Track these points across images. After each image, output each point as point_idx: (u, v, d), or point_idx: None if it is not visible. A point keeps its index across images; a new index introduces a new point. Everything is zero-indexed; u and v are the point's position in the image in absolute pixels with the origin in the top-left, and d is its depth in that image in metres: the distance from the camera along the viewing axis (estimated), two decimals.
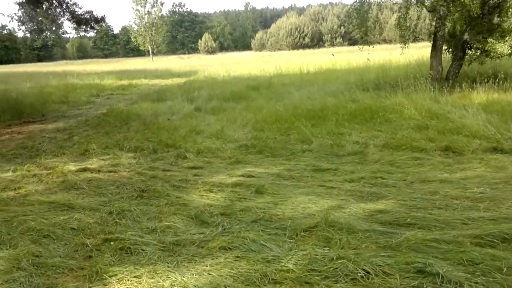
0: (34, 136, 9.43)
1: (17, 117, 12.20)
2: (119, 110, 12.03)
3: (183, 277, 3.10)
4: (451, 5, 10.55)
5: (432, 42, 11.62)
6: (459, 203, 4.19)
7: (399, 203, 4.27)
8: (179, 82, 21.22)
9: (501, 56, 10.58)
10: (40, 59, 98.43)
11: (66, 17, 14.42)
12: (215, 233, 3.81)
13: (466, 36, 10.73)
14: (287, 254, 3.35)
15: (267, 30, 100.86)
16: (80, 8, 15.20)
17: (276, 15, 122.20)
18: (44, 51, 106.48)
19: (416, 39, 13.28)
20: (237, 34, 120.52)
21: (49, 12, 14.85)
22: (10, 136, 9.62)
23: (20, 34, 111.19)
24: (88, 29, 15.11)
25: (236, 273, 3.14)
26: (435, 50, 11.37)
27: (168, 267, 3.26)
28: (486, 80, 9.62)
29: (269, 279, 3.02)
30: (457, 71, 11.21)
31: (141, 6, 78.05)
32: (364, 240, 3.55)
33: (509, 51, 10.38)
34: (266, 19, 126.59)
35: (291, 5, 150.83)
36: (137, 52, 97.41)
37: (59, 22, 15.60)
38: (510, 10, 10.31)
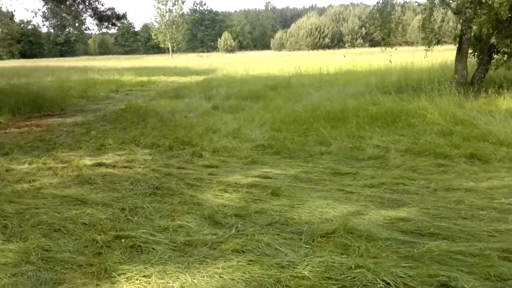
0: (52, 129, 9.45)
1: (37, 110, 12.30)
2: (137, 106, 12.01)
3: (194, 278, 2.99)
4: (478, 7, 10.23)
5: (457, 45, 11.33)
6: (485, 214, 3.99)
7: (421, 212, 4.09)
8: (198, 80, 21.19)
9: None
10: (62, 54, 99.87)
11: (88, 13, 14.50)
12: (229, 234, 3.69)
13: (493, 40, 10.41)
14: (302, 260, 3.21)
15: (287, 29, 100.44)
16: (102, 4, 15.33)
17: (296, 14, 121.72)
18: (66, 47, 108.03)
19: (439, 42, 12.93)
20: (257, 34, 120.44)
21: (72, 8, 14.96)
22: (29, 128, 9.66)
23: (44, 29, 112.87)
24: (110, 25, 15.16)
25: (248, 277, 3.01)
26: (460, 54, 11.07)
27: (179, 267, 3.15)
28: None
29: (283, 285, 2.89)
30: (482, 75, 10.89)
31: (163, 4, 78.49)
32: (384, 249, 3.39)
33: None
34: (286, 18, 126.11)
35: (312, 5, 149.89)
36: (157, 49, 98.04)
37: (82, 18, 15.71)
38: None
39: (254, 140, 7.34)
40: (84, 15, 14.78)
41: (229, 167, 5.91)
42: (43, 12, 15.24)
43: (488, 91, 9.33)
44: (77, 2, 14.53)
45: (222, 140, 7.41)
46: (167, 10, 78.77)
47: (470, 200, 4.37)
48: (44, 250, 3.48)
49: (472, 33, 11.14)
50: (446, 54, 17.08)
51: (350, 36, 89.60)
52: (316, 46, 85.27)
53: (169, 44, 79.20)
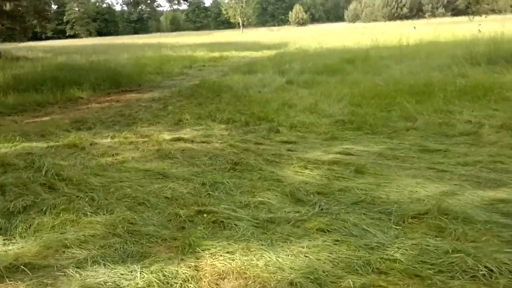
0: (131, 104, 9.74)
1: (116, 86, 12.77)
2: (211, 82, 12.09)
3: (278, 257, 2.88)
4: None
5: None
6: None
7: None
8: (270, 54, 20.96)
9: None
10: (136, 32, 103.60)
11: None
12: (312, 213, 3.55)
13: None
14: (393, 242, 3.01)
15: (362, 0, 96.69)
16: None
17: None
18: (140, 24, 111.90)
19: None
20: (329, 5, 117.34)
21: None
22: (109, 104, 10.04)
23: (117, 7, 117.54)
24: (181, 1, 15.25)
25: (335, 258, 2.87)
26: None
27: (262, 245, 3.07)
28: None
29: (373, 268, 2.72)
30: None
31: None
32: (484, 232, 3.10)
33: None
34: None
35: None
36: (227, 24, 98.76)
37: None
38: None
39: (333, 115, 7.09)
40: None
41: (308, 143, 5.74)
42: None
43: None
44: None
45: (299, 115, 7.23)
46: None
47: None
48: (130, 223, 3.54)
49: None
50: None
51: (430, 5, 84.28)
52: (394, 16, 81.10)
53: (239, 19, 79.30)
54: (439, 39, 19.52)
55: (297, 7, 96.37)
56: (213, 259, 2.92)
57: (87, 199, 4.08)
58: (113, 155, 5.60)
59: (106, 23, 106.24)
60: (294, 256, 2.90)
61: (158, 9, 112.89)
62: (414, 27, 31.66)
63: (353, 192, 3.92)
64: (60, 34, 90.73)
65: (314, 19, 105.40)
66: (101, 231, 3.43)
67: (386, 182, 4.12)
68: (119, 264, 2.92)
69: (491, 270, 2.61)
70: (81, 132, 7.00)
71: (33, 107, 9.69)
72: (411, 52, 15.34)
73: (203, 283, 2.67)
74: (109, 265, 2.89)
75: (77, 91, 11.19)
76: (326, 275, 2.66)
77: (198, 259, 2.95)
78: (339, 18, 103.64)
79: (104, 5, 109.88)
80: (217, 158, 5.21)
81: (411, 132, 5.96)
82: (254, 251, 2.98)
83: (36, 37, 60.96)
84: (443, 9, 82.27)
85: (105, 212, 3.78)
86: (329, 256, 2.88)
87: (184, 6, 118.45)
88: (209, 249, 3.04)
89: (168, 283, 2.67)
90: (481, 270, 2.61)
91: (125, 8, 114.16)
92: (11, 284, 2.76)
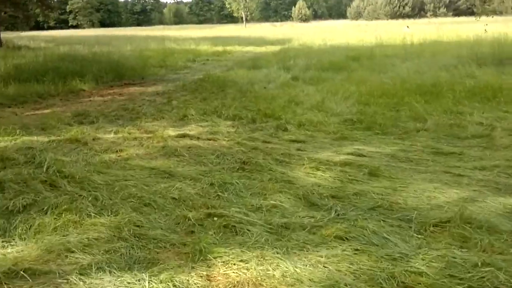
0: (134, 98, 9.55)
1: (118, 79, 12.56)
2: (215, 77, 11.90)
3: (295, 267, 2.72)
4: None
5: None
6: None
7: None
8: (273, 50, 20.76)
9: None
10: (139, 23, 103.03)
11: None
12: (328, 218, 3.39)
13: None
14: (416, 252, 2.85)
15: None
16: None
17: None
18: (143, 16, 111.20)
19: None
20: (332, 2, 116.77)
21: None
22: (112, 97, 9.84)
23: None
24: None
25: (356, 269, 2.70)
26: None
27: (277, 253, 2.90)
28: None
29: (398, 282, 2.55)
30: None
31: None
32: (511, 243, 2.94)
33: None
34: None
35: None
36: (230, 18, 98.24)
37: None
38: None
39: (340, 114, 6.92)
40: None
41: (317, 142, 5.57)
42: None
43: None
44: None
45: (306, 113, 7.06)
46: None
47: None
48: (136, 226, 3.37)
49: None
50: None
51: (432, 4, 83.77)
52: (396, 15, 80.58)
53: (243, 13, 78.90)
54: (442, 39, 19.34)
55: (300, 3, 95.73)
56: (226, 268, 2.75)
57: (90, 198, 3.91)
58: (117, 151, 5.42)
59: (109, 14, 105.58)
60: (312, 266, 2.74)
61: (161, 1, 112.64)
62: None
63: (369, 196, 3.75)
64: (62, 24, 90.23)
65: (316, 16, 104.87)
66: (105, 234, 3.25)
67: (402, 186, 3.95)
68: (126, 271, 2.75)
69: None
70: (84, 126, 6.81)
71: (34, 99, 9.49)
72: (416, 51, 15.19)
73: None
74: (115, 273, 2.72)
75: (79, 83, 10.97)
76: None
77: (209, 267, 2.78)
78: (341, 15, 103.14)
79: None
80: (225, 157, 5.03)
81: (422, 133, 5.79)
82: (270, 259, 2.82)
83: (38, 26, 60.68)
84: (445, 9, 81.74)
85: (109, 213, 3.60)
86: (349, 267, 2.71)
87: None
88: (221, 256, 2.88)
89: None
90: None
91: None
92: None
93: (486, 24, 11.99)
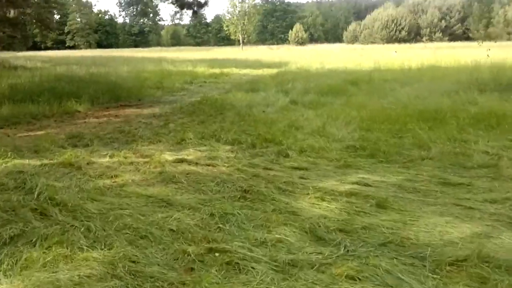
0: (131, 120, 9.38)
1: (115, 100, 12.39)
2: (213, 99, 11.76)
3: None
4: None
5: None
6: None
7: None
8: (271, 72, 20.74)
9: None
10: (136, 45, 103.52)
11: (170, 0, 14.41)
12: (337, 255, 3.18)
13: None
14: None
15: (361, 22, 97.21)
16: None
17: (371, 6, 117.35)
18: (140, 37, 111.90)
19: None
20: (329, 25, 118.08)
21: None
22: (108, 119, 9.66)
23: (120, 19, 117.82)
24: (191, 13, 15.02)
25: None
26: None
27: None
28: None
29: None
30: None
31: None
32: None
33: None
34: (360, 10, 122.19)
35: None
36: (227, 41, 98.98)
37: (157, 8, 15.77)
38: None
39: (342, 140, 6.76)
40: (166, 2, 14.72)
41: (320, 170, 5.37)
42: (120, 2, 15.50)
43: None
44: None
45: (307, 138, 6.89)
46: (240, 1, 79.18)
47: None
48: (131, 262, 3.15)
49: None
50: None
51: (428, 29, 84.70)
52: (392, 39, 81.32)
53: (240, 36, 79.56)
54: (440, 64, 19.42)
55: (297, 26, 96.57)
56: None
57: (82, 229, 3.69)
58: (111, 176, 5.21)
59: (107, 35, 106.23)
60: None
61: (159, 23, 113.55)
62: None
63: (379, 230, 3.55)
64: (59, 44, 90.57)
65: (313, 39, 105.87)
66: (98, 271, 3.02)
67: (412, 220, 3.76)
68: None
69: None
70: (78, 149, 6.61)
71: (28, 120, 9.28)
72: (414, 76, 15.21)
73: None
74: None
75: (75, 104, 10.79)
76: None
77: None
78: (337, 39, 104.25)
79: (107, 17, 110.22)
80: (225, 184, 4.83)
81: (426, 162, 5.61)
82: None
83: (35, 46, 60.83)
84: (441, 33, 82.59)
85: (103, 246, 3.38)
86: None
87: (185, 21, 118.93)
88: None
89: None
90: None
91: (127, 20, 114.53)
92: None
93: (489, 49, 11.97)
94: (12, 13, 25.53)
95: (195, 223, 3.81)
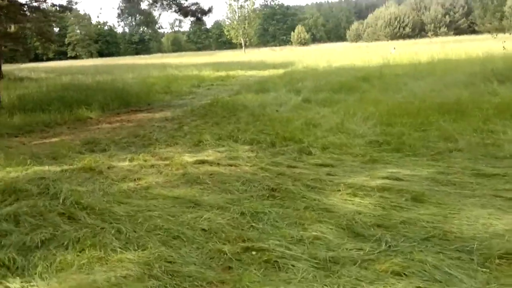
0: (144, 124, 9.30)
1: (124, 106, 12.36)
2: (224, 101, 11.67)
3: None
4: None
5: None
6: None
7: None
8: (277, 73, 20.60)
9: None
10: (137, 53, 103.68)
11: (173, 8, 14.35)
12: (378, 250, 3.07)
13: None
14: None
15: (363, 21, 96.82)
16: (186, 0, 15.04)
17: (371, 5, 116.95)
18: (141, 45, 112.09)
19: None
20: (330, 25, 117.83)
21: (156, 4, 14.90)
22: (121, 124, 9.60)
23: (119, 29, 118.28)
24: (195, 21, 14.94)
25: None
26: None
27: None
28: None
29: None
30: None
31: (235, 0, 78.98)
32: None
33: None
34: (361, 9, 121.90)
35: None
36: (229, 45, 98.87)
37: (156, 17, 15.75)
38: None
39: (364, 135, 6.64)
40: (169, 10, 14.66)
41: (347, 166, 5.25)
42: (119, 12, 15.53)
43: None
44: None
45: (327, 135, 6.77)
46: (239, 6, 79.15)
47: None
48: (167, 262, 3.06)
49: None
50: None
51: (432, 24, 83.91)
52: (396, 36, 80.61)
53: (242, 39, 79.54)
54: (450, 57, 19.22)
55: (299, 27, 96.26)
56: None
57: (113, 231, 3.60)
58: (134, 179, 5.12)
59: (107, 45, 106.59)
60: None
61: (159, 30, 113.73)
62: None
63: (419, 225, 3.43)
64: (61, 55, 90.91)
65: (315, 39, 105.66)
66: (134, 272, 2.94)
67: (452, 213, 3.63)
68: None
69: None
70: (95, 154, 6.53)
71: (41, 128, 9.24)
72: (426, 70, 15.03)
73: None
74: None
75: (86, 111, 10.75)
76: None
77: None
78: (340, 38, 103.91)
79: (106, 27, 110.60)
80: (251, 184, 4.73)
81: (455, 154, 5.48)
82: None
83: (37, 58, 61.05)
84: (446, 28, 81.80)
85: (136, 248, 3.29)
86: None
87: (185, 28, 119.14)
88: None
89: None
90: None
91: (127, 30, 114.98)
92: None
93: (504, 41, 11.78)
94: (12, 28, 25.62)
95: (226, 222, 3.71)
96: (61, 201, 4.30)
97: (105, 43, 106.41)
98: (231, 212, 3.92)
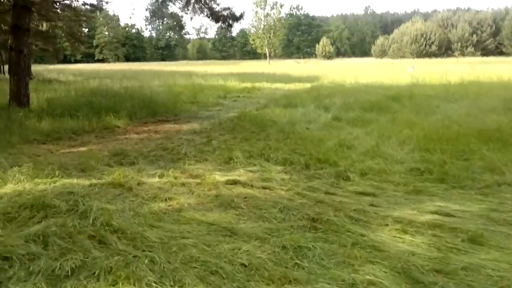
0: (171, 137, 9.14)
1: (152, 115, 12.27)
2: (251, 115, 11.46)
3: None
4: None
5: None
6: None
7: None
8: (304, 87, 20.37)
9: None
10: (163, 58, 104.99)
11: (205, 13, 14.23)
12: None
13: None
14: None
15: (388, 36, 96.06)
16: (217, 4, 14.93)
17: (397, 20, 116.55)
18: (167, 51, 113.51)
19: None
20: (355, 39, 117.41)
21: (188, 8, 14.81)
22: (148, 135, 9.45)
23: (146, 33, 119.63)
24: (226, 26, 14.83)
25: None
26: None
27: None
28: None
29: None
30: None
31: (261, 8, 79.28)
32: None
33: None
34: (387, 24, 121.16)
35: (415, 10, 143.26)
36: (253, 54, 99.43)
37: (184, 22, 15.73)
38: None
39: (402, 161, 6.32)
40: (201, 14, 14.54)
41: (389, 196, 4.95)
42: (149, 14, 15.55)
43: None
44: (193, 1, 14.32)
45: (363, 159, 6.47)
46: (265, 15, 79.41)
47: None
48: None
49: None
50: None
51: (459, 43, 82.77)
52: (422, 54, 79.60)
53: (267, 50, 79.67)
54: (481, 79, 18.74)
55: (324, 40, 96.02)
56: None
57: (146, 261, 3.36)
58: (165, 199, 4.90)
59: (134, 49, 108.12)
60: None
61: (185, 36, 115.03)
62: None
63: (483, 272, 3.11)
64: (89, 57, 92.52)
65: (339, 53, 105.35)
66: None
67: None
68: None
69: None
70: (124, 167, 6.34)
71: (69, 135, 9.15)
72: (457, 92, 14.63)
73: None
74: None
75: (114, 118, 10.66)
76: None
77: None
78: (365, 53, 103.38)
79: (133, 30, 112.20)
80: (289, 211, 4.46)
81: (505, 188, 5.13)
82: None
83: (65, 59, 62.12)
84: (473, 48, 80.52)
85: (172, 283, 3.05)
86: None
87: (211, 34, 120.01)
88: None
89: None
90: None
91: (154, 34, 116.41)
92: None
93: None
94: (44, 26, 26.00)
95: (267, 257, 3.44)
96: (91, 221, 4.09)
97: (132, 46, 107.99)
98: (271, 245, 3.65)
